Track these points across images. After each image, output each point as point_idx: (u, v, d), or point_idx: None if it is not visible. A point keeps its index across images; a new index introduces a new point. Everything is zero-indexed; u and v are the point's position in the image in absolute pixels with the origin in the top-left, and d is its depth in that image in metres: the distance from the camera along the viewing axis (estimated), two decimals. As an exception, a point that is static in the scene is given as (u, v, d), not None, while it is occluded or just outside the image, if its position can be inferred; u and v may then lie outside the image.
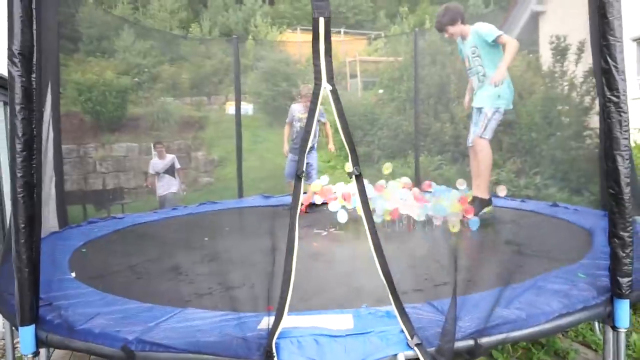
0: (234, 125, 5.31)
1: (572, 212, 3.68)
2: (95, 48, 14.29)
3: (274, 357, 1.44)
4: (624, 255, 1.68)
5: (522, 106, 8.22)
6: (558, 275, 2.06)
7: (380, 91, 12.10)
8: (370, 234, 1.58)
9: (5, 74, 1.72)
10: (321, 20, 1.55)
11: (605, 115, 1.71)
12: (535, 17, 10.13)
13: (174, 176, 6.85)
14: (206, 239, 3.29)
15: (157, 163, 6.89)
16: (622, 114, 1.67)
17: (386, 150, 9.53)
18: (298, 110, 4.79)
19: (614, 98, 1.68)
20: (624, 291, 1.71)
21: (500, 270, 2.20)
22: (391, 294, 1.53)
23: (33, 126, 1.73)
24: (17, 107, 1.68)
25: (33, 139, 1.73)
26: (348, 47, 17.60)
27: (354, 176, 1.64)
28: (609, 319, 1.76)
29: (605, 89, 1.70)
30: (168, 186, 6.74)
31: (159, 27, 17.33)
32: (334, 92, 1.61)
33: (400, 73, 10.27)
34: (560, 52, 6.79)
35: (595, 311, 1.75)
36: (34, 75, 1.74)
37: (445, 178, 7.82)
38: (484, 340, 1.53)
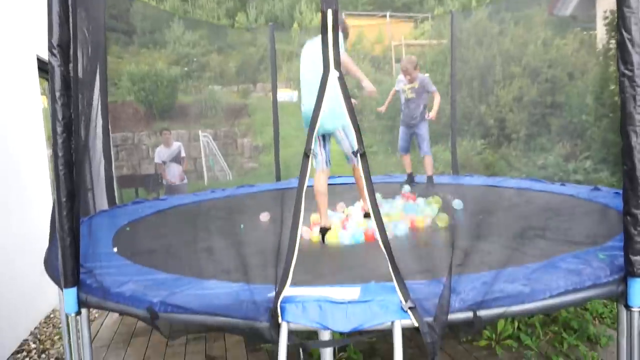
0: (279, 111, 5.43)
1: (613, 196, 3.53)
2: (148, 40, 14.94)
3: (279, 317, 1.56)
4: (636, 233, 1.64)
5: (573, 87, 7.84)
6: (577, 256, 2.03)
7: (427, 75, 11.89)
8: (373, 211, 1.64)
9: (46, 58, 1.92)
10: (329, 12, 1.62)
11: (619, 90, 1.67)
12: (593, -9, 9.50)
13: (180, 164, 6.60)
14: (242, 225, 3.45)
15: (162, 151, 6.61)
16: (636, 88, 1.62)
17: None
18: (402, 81, 4.72)
19: (627, 72, 1.63)
20: (636, 269, 1.68)
21: (512, 252, 2.19)
22: (389, 261, 1.59)
23: (71, 110, 1.92)
24: (57, 94, 1.88)
25: (71, 121, 1.92)
26: (394, 31, 17.29)
27: (359, 155, 1.71)
28: (622, 298, 1.73)
29: (620, 62, 1.66)
30: (176, 175, 6.51)
31: (207, 18, 17.80)
32: (341, 78, 1.68)
33: (444, 56, 10.03)
34: (614, 27, 6.37)
35: (607, 289, 1.73)
36: (71, 65, 1.94)
37: (487, 163, 7.62)
38: (483, 312, 1.57)
